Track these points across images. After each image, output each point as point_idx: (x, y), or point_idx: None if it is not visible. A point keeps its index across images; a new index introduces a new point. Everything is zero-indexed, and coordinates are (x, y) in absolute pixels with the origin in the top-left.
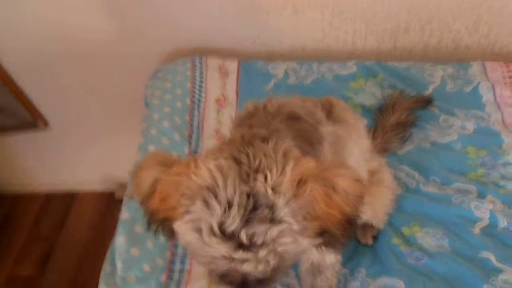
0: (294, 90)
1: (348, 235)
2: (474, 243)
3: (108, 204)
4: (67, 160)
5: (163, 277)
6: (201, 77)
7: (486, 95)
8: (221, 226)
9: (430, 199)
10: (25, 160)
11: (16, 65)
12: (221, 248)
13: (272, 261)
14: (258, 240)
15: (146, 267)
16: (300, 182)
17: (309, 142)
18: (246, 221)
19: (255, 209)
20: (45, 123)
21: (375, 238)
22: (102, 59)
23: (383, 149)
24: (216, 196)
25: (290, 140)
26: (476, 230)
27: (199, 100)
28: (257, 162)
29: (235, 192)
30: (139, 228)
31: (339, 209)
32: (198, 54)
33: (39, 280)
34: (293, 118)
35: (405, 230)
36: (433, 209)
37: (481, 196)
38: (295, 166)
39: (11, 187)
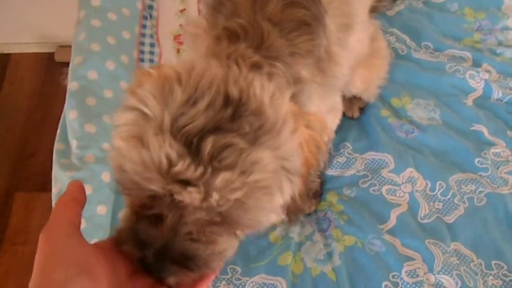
0: None
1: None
2: (466, 116)
3: (48, 67)
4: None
5: None
6: None
7: None
8: (176, 120)
9: (422, 67)
10: None
11: None
12: (163, 150)
13: (229, 197)
14: (226, 158)
15: (106, 146)
16: (294, 119)
17: (310, 36)
18: (216, 128)
19: (233, 119)
20: None
21: (362, 110)
22: None
23: (371, 8)
24: (180, 83)
25: (287, 56)
26: (469, 101)
27: None
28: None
29: (209, 87)
30: (92, 100)
31: (316, 156)
32: None
33: None
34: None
35: (395, 101)
36: (425, 78)
37: (476, 64)
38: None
39: None
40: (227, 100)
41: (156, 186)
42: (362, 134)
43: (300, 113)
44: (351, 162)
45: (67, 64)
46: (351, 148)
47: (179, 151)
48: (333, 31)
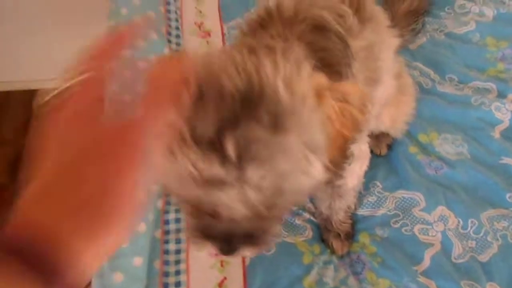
0: None
1: (344, 161)
2: (494, 149)
3: None
4: (25, 54)
5: (158, 233)
6: None
7: None
8: (189, 122)
9: (447, 101)
10: None
11: None
12: (189, 160)
13: (266, 191)
14: (250, 151)
15: None
16: (317, 95)
17: (334, 69)
18: (231, 121)
19: (247, 108)
20: None
21: (389, 147)
22: None
23: None
24: (188, 88)
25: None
26: (496, 134)
27: None
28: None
29: (214, 78)
30: None
31: (351, 126)
32: None
33: (13, 186)
34: (318, 29)
35: (422, 137)
36: (451, 112)
37: (501, 95)
38: (311, 75)
39: None
40: (235, 89)
41: (195, 195)
42: (391, 172)
43: (328, 86)
44: (382, 201)
45: None
46: (381, 186)
47: (204, 156)
48: (359, 80)
